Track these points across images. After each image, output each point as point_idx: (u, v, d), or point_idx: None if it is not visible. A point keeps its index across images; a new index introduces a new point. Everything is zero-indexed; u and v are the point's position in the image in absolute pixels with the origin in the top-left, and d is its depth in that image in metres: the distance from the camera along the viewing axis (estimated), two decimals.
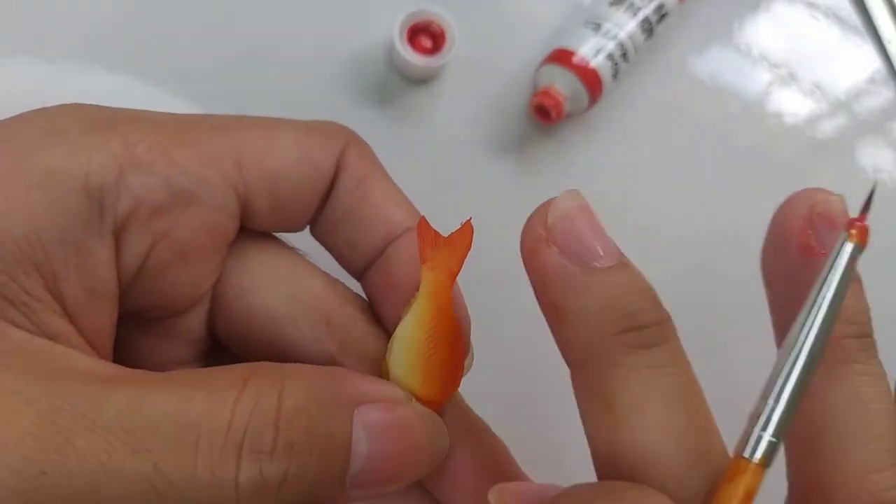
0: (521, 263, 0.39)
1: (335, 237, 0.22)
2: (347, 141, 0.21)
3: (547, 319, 0.18)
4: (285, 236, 0.22)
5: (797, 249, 0.19)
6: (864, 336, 0.19)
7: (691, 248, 0.38)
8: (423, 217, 0.20)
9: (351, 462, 0.17)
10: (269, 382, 0.17)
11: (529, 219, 0.17)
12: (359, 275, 0.22)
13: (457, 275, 0.19)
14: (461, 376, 0.20)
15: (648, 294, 0.18)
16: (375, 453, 0.17)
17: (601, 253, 0.17)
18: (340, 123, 0.22)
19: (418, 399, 0.19)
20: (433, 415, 0.19)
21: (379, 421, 0.17)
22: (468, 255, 0.19)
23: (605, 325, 0.17)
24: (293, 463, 0.16)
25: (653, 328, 0.17)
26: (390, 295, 0.21)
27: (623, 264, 0.17)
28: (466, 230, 0.19)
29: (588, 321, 0.17)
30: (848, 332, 0.19)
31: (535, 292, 0.18)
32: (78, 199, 0.17)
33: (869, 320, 0.19)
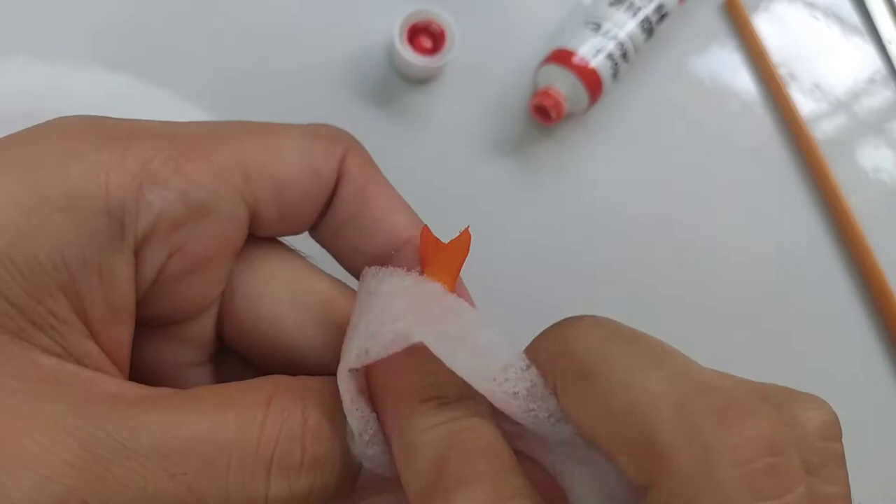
0: (521, 262, 0.39)
1: (338, 242, 0.22)
2: (347, 146, 0.21)
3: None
4: (288, 240, 0.23)
5: None
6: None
7: (691, 248, 0.38)
8: (426, 226, 0.21)
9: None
10: (292, 400, 0.18)
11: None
12: None
13: (456, 278, 0.20)
14: None
15: None
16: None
17: None
18: (339, 127, 0.22)
19: None
20: None
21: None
22: (466, 259, 0.20)
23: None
24: (318, 476, 0.17)
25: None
26: None
27: None
28: (465, 238, 0.21)
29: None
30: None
31: None
32: (99, 220, 0.17)
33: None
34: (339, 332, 0.21)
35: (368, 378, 0.18)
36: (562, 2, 0.40)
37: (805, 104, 0.42)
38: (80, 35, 0.34)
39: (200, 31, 0.36)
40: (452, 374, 0.16)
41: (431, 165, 0.36)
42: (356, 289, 0.22)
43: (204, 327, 0.21)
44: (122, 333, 0.19)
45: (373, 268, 0.20)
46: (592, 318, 0.17)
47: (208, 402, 0.17)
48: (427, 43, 0.35)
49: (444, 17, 0.35)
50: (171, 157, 0.19)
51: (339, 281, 0.22)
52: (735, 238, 0.39)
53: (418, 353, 0.17)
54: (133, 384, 0.18)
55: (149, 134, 0.19)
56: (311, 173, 0.21)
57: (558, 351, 0.17)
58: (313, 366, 0.21)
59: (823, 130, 0.42)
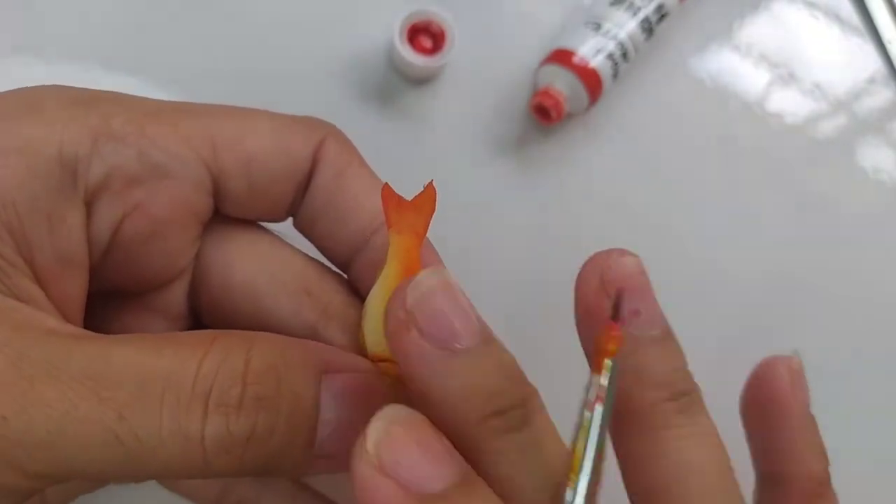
0: (521, 261, 0.39)
1: (315, 229, 0.22)
2: (326, 134, 0.21)
3: (417, 406, 0.17)
4: (268, 224, 0.23)
5: (596, 321, 0.19)
6: (682, 396, 0.19)
7: (690, 248, 0.38)
8: (387, 183, 0.20)
9: (318, 429, 0.17)
10: (237, 343, 0.17)
11: (391, 300, 0.16)
12: (343, 267, 0.22)
13: (423, 236, 0.20)
14: None
15: (511, 373, 0.16)
16: (342, 421, 0.17)
17: (462, 333, 0.15)
18: (321, 119, 0.22)
19: (392, 363, 0.19)
20: (399, 387, 0.19)
21: (346, 389, 0.17)
22: (433, 216, 0.20)
23: (470, 412, 0.16)
24: (260, 419, 0.16)
25: (517, 411, 0.16)
26: (371, 281, 0.21)
27: (485, 342, 0.16)
28: (429, 192, 0.20)
29: (453, 408, 0.16)
30: (662, 397, 0.18)
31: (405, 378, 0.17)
32: (51, 167, 0.17)
33: (686, 377, 0.19)
34: (311, 300, 0.21)
35: None
36: (562, 2, 0.40)
37: (805, 104, 0.42)
38: (80, 35, 0.34)
39: (200, 31, 0.36)
40: None
41: (431, 165, 0.36)
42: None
43: (175, 297, 0.21)
44: (72, 286, 0.18)
45: None
46: None
47: (148, 339, 0.16)
48: (427, 43, 0.35)
49: (444, 17, 0.35)
50: (133, 119, 0.19)
51: (310, 255, 0.22)
52: (734, 237, 0.39)
53: None
54: (75, 327, 0.18)
55: (116, 99, 0.19)
56: (283, 154, 0.20)
57: None
58: (285, 335, 0.20)
59: (823, 130, 0.42)
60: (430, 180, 0.20)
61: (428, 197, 0.20)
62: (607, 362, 0.17)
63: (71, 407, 0.15)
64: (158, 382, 0.15)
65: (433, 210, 0.20)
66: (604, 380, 0.17)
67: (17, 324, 0.16)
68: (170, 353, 0.16)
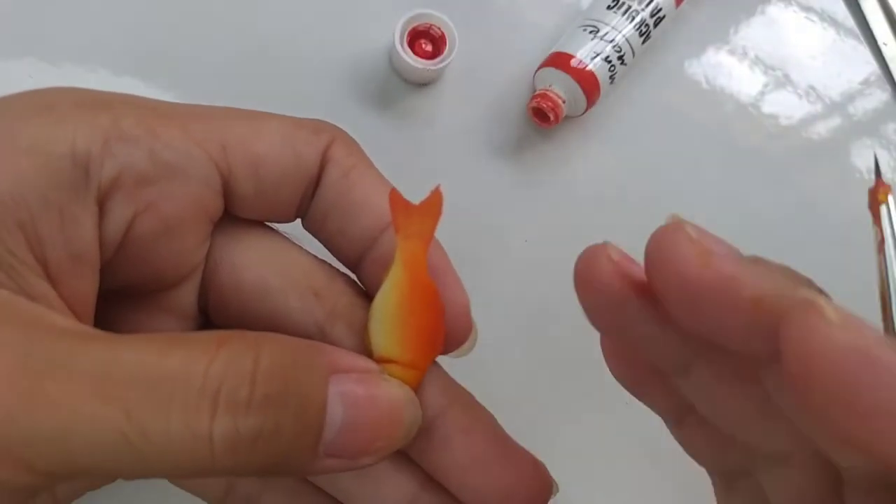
0: (520, 262, 0.39)
1: (325, 228, 0.22)
2: (333, 136, 0.22)
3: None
4: (276, 224, 0.23)
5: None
6: None
7: None
8: (394, 188, 0.20)
9: (325, 429, 0.17)
10: (246, 344, 0.17)
11: None
12: (352, 266, 0.23)
13: (430, 241, 0.20)
14: (442, 342, 0.20)
15: None
16: (349, 422, 0.17)
17: None
18: (327, 121, 0.22)
19: (398, 365, 0.19)
20: (406, 388, 0.19)
21: (353, 391, 0.18)
22: (439, 221, 0.20)
23: None
24: (269, 418, 0.16)
25: None
26: (379, 280, 0.21)
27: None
28: (436, 197, 0.20)
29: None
30: None
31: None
32: (63, 165, 0.18)
33: None
34: (319, 300, 0.21)
35: None
36: (560, 6, 0.40)
37: (800, 106, 0.42)
38: (87, 38, 0.35)
39: (205, 35, 0.36)
40: None
41: (431, 167, 0.37)
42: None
43: (185, 297, 0.21)
44: (83, 285, 0.19)
45: None
46: None
47: (157, 340, 0.16)
48: (427, 47, 0.36)
49: (444, 22, 0.35)
50: (143, 120, 0.19)
51: (318, 256, 0.22)
52: (730, 238, 0.40)
53: None
54: (86, 326, 0.18)
55: (128, 102, 0.20)
56: (291, 156, 0.21)
57: None
58: (293, 335, 0.20)
59: (818, 132, 0.42)
60: (437, 185, 0.20)
61: (435, 202, 0.20)
62: (883, 208, 0.22)
63: (79, 406, 0.15)
64: (167, 382, 0.15)
65: (440, 215, 0.20)
66: (885, 222, 0.22)
67: (26, 322, 0.16)
68: (179, 354, 0.16)
